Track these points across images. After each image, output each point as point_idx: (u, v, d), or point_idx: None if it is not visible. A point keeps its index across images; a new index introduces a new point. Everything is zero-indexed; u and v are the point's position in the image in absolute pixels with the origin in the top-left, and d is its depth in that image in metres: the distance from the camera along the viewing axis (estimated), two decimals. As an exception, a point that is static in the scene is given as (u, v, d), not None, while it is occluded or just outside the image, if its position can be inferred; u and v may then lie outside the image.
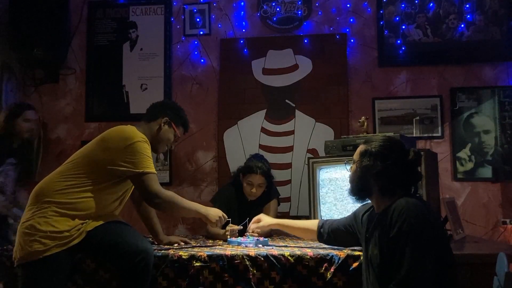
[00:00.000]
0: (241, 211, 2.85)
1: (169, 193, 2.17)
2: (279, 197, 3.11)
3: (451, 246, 1.81)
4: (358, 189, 1.91)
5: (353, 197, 1.95)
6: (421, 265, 1.63)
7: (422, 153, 1.91)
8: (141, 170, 2.07)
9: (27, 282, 1.98)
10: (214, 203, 2.92)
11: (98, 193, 2.08)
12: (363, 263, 1.91)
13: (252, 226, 2.36)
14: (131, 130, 2.16)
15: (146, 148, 2.13)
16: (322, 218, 2.44)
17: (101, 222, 2.07)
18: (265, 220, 2.37)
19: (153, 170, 2.11)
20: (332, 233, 2.18)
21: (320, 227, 2.23)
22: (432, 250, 1.66)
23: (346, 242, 2.16)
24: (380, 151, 1.84)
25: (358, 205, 2.55)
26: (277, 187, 3.11)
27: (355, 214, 2.11)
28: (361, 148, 1.92)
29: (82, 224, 2.02)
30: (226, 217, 2.30)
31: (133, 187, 2.25)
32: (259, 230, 2.38)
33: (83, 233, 2.01)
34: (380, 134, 1.98)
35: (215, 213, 2.28)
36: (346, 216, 2.20)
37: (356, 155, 1.93)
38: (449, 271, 1.72)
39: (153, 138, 2.29)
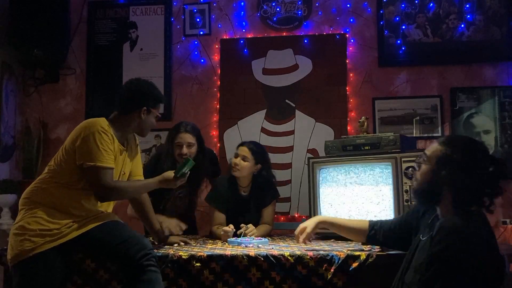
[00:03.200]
0: (237, 207, 2.81)
1: (118, 183, 2.14)
2: (279, 197, 3.00)
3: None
4: (426, 196, 1.70)
5: (418, 201, 1.79)
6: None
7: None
8: (93, 163, 2.01)
9: (20, 281, 1.98)
10: (210, 203, 2.87)
11: (82, 190, 2.07)
12: (404, 262, 1.77)
13: (302, 238, 2.13)
14: (90, 122, 2.12)
15: (103, 140, 2.05)
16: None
17: (99, 222, 2.08)
18: (309, 224, 2.14)
19: (107, 164, 2.04)
20: (385, 234, 2.03)
21: (372, 227, 2.07)
22: (471, 284, 1.48)
23: (396, 243, 2.00)
24: (465, 161, 1.59)
25: (356, 204, 2.56)
26: (277, 187, 3.08)
27: (417, 211, 1.91)
28: (438, 150, 1.66)
29: (73, 222, 2.03)
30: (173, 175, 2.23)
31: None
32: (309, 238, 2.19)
33: (75, 231, 2.01)
34: (460, 136, 1.78)
35: (167, 176, 2.22)
36: (401, 215, 2.06)
37: (431, 157, 1.67)
38: None
39: (136, 127, 2.25)
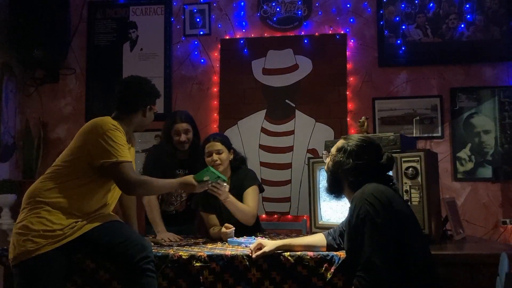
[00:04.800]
0: (223, 204, 2.71)
1: (142, 177, 2.22)
2: (259, 184, 2.86)
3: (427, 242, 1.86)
4: (330, 183, 1.99)
5: (328, 192, 2.02)
6: (380, 249, 1.66)
7: (395, 158, 1.98)
8: (115, 160, 2.05)
9: (22, 282, 1.98)
10: (198, 208, 2.82)
11: (87, 189, 2.08)
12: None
13: (256, 255, 2.04)
14: (102, 120, 2.15)
15: (118, 136, 2.10)
16: (325, 230, 2.23)
17: (100, 222, 2.08)
18: (268, 244, 2.07)
19: (127, 158, 2.09)
20: (340, 236, 2.10)
21: (328, 235, 2.13)
22: (391, 232, 1.69)
23: None
24: (355, 150, 1.90)
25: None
26: (277, 187, 3.06)
27: None
28: (339, 143, 1.98)
29: (76, 222, 2.03)
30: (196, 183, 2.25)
31: None
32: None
33: (77, 231, 2.02)
34: (359, 135, 2.04)
35: (188, 180, 2.26)
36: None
37: (333, 149, 1.99)
38: (415, 253, 1.73)
39: (139, 125, 2.33)
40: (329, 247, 2.10)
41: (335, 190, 2.00)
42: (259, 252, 2.03)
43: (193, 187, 2.26)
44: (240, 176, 2.79)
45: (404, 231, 1.73)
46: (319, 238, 2.14)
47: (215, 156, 2.70)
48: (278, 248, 2.07)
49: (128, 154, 2.13)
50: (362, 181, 1.85)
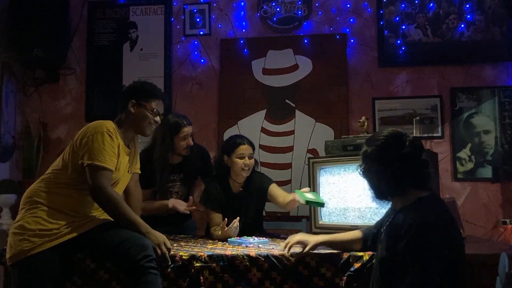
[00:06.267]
0: (231, 204, 2.75)
1: (115, 194, 2.07)
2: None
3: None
4: (372, 192, 1.83)
5: (374, 201, 1.88)
6: (428, 280, 1.57)
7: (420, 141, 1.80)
8: (90, 162, 2.00)
9: (18, 281, 1.98)
10: (204, 205, 2.79)
11: (85, 191, 2.06)
12: (375, 261, 1.85)
13: (305, 251, 2.03)
14: (97, 124, 2.12)
15: (105, 140, 2.04)
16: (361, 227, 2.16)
17: (99, 223, 2.08)
18: (310, 243, 2.03)
19: (105, 164, 2.01)
20: (372, 238, 2.01)
21: (364, 231, 2.07)
22: (444, 268, 1.59)
23: None
24: (375, 153, 1.76)
25: (357, 205, 2.56)
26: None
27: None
28: (362, 149, 1.84)
29: (73, 222, 2.03)
30: (169, 245, 2.07)
31: (126, 182, 2.27)
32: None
33: (75, 230, 2.02)
34: (386, 130, 1.85)
35: (158, 237, 2.06)
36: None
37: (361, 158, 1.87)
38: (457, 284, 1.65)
39: (133, 124, 2.24)
40: (365, 245, 2.03)
41: (377, 197, 1.83)
42: (306, 249, 2.00)
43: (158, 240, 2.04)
44: (255, 180, 2.79)
45: (454, 265, 1.64)
46: (356, 235, 2.07)
47: (247, 161, 2.69)
48: (319, 245, 2.04)
49: (111, 162, 2.05)
50: (398, 183, 1.72)
